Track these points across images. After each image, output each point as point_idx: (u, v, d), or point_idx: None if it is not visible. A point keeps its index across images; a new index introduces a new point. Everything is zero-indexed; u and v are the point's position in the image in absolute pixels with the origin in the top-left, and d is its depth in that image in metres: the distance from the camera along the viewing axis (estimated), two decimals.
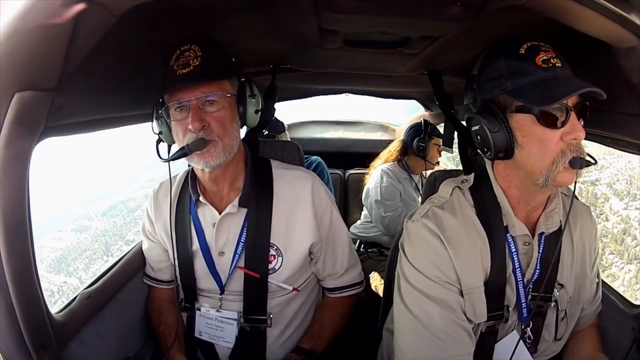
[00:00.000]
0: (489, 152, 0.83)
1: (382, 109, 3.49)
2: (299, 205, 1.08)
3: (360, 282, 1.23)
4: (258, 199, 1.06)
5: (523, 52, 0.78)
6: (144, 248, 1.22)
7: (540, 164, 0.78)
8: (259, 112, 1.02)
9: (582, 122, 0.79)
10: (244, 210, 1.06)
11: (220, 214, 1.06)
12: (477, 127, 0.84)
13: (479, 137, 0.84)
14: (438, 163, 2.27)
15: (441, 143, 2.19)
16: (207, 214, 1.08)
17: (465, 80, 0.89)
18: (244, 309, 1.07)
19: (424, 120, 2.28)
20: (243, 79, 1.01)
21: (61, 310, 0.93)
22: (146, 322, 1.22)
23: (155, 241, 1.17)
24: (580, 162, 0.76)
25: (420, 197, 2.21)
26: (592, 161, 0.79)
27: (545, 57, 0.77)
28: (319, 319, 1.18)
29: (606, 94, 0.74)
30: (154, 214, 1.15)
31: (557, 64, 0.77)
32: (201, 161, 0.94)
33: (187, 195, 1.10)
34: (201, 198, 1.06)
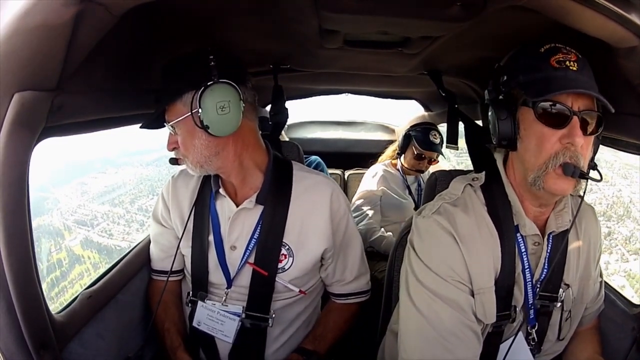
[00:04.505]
0: (495, 138, 0.85)
1: (382, 109, 3.49)
2: (317, 210, 1.09)
3: (367, 290, 1.23)
4: (275, 197, 1.07)
5: (542, 51, 0.79)
6: (152, 234, 1.22)
7: (534, 161, 0.79)
8: (229, 114, 0.92)
9: (592, 133, 0.78)
10: (260, 207, 1.07)
11: (237, 207, 1.07)
12: (489, 114, 0.87)
13: (490, 124, 0.87)
14: (429, 164, 2.24)
15: (434, 156, 2.20)
16: (225, 207, 1.09)
17: (491, 72, 0.91)
18: (247, 305, 1.08)
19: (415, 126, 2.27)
20: (203, 88, 0.91)
21: (61, 310, 0.93)
22: (146, 322, 1.22)
23: (168, 227, 1.18)
24: (573, 170, 0.75)
25: (410, 196, 2.26)
26: (595, 177, 0.78)
27: (561, 58, 0.77)
28: (323, 322, 1.19)
29: (606, 94, 0.74)
30: (170, 200, 1.16)
31: (571, 67, 0.76)
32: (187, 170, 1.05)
33: (209, 186, 1.11)
34: (221, 190, 1.08)
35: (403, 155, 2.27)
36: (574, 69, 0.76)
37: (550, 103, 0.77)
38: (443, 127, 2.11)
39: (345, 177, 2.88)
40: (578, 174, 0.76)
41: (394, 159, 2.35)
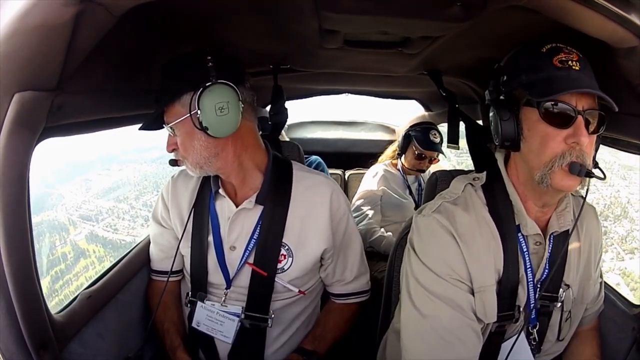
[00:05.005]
0: (497, 139, 0.85)
1: (382, 109, 3.50)
2: (317, 210, 1.09)
3: (367, 290, 1.23)
4: (275, 197, 1.07)
5: (544, 50, 0.79)
6: (152, 234, 1.22)
7: (539, 161, 0.79)
8: (228, 115, 0.92)
9: (594, 132, 0.78)
10: (260, 207, 1.07)
11: (237, 207, 1.07)
12: (490, 115, 0.86)
13: (491, 124, 0.87)
14: (430, 163, 2.24)
15: (435, 156, 2.20)
16: (224, 207, 1.09)
17: (491, 72, 0.90)
18: (246, 305, 1.08)
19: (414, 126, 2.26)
20: (202, 89, 0.90)
21: (61, 310, 0.93)
22: (146, 322, 1.22)
23: (167, 227, 1.18)
24: (579, 169, 0.76)
25: (411, 196, 2.25)
26: (599, 175, 0.78)
27: (563, 58, 0.77)
28: (323, 322, 1.19)
29: (606, 93, 0.75)
30: (170, 200, 1.16)
31: (573, 66, 0.77)
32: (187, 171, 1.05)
33: (208, 186, 1.11)
34: (220, 190, 1.08)
35: (403, 155, 2.27)
36: (577, 68, 0.77)
37: (554, 103, 0.77)
38: (443, 127, 2.11)
39: (346, 177, 2.88)
40: (584, 172, 0.76)
41: (394, 159, 2.35)
